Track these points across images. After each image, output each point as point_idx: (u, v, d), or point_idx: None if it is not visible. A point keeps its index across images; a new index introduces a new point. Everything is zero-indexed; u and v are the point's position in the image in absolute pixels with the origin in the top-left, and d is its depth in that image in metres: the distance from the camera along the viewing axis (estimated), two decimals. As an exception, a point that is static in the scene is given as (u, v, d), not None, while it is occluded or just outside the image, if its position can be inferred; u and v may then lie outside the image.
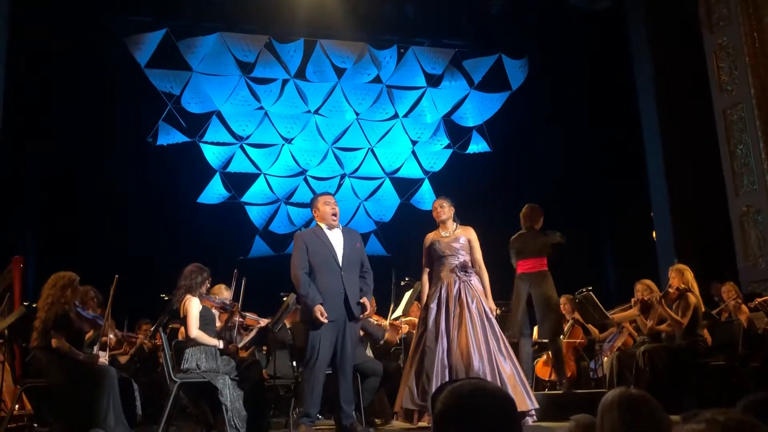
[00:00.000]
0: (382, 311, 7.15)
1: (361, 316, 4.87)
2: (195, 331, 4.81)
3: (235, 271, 5.62)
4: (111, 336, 5.52)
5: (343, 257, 4.79)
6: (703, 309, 5.87)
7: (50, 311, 4.55)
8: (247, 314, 5.49)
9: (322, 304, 4.60)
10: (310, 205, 5.12)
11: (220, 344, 4.92)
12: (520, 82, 10.45)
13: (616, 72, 9.42)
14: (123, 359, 6.16)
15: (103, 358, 4.99)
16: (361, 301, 4.82)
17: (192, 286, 4.90)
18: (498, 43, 10.32)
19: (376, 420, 5.52)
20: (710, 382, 5.64)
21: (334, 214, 4.89)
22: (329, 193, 5.12)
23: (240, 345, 5.65)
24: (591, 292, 6.92)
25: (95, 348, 5.15)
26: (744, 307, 6.22)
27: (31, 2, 8.05)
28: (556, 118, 10.29)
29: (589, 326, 7.36)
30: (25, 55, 8.12)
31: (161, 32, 9.26)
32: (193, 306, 4.83)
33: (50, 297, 4.60)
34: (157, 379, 6.01)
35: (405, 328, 6.58)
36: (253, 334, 5.65)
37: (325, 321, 4.59)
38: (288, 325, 5.93)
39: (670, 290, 5.80)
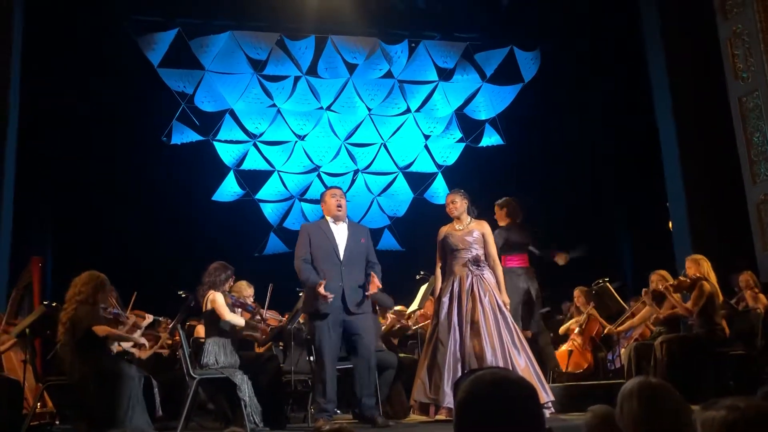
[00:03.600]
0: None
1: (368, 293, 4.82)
2: (228, 315, 4.92)
3: (270, 285, 5.77)
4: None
5: (344, 251, 4.82)
6: (721, 298, 5.83)
7: (79, 310, 4.59)
8: (268, 314, 5.55)
9: (323, 281, 4.63)
10: (320, 199, 5.18)
11: (242, 322, 5.05)
12: (533, 74, 10.40)
13: (629, 62, 9.36)
14: (143, 355, 6.22)
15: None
16: (367, 294, 4.81)
17: (216, 283, 4.98)
18: (509, 35, 10.28)
19: (393, 414, 5.53)
20: (729, 371, 5.61)
21: (339, 206, 4.93)
22: (336, 187, 5.23)
23: (260, 339, 5.69)
24: (608, 283, 6.90)
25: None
26: (762, 296, 6.17)
27: (44, 3, 8.13)
28: (569, 109, 10.24)
29: (605, 323, 7.33)
30: (39, 57, 8.19)
31: (173, 32, 9.30)
32: (218, 297, 4.91)
33: (82, 294, 4.64)
34: (176, 376, 6.06)
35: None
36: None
37: (330, 297, 4.61)
38: (301, 321, 5.97)
39: (682, 278, 5.76)
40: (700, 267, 5.74)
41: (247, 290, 5.57)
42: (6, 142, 7.13)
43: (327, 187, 5.24)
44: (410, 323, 6.95)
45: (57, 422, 5.39)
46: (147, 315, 5.31)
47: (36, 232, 8.68)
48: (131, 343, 5.50)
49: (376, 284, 4.81)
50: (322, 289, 4.61)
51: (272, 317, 5.66)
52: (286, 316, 5.78)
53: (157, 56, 9.35)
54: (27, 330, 4.91)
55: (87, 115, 9.06)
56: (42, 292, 5.73)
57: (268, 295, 5.73)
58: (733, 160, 6.89)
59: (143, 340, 5.21)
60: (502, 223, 6.28)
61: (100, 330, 4.56)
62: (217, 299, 4.92)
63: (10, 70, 7.20)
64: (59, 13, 8.57)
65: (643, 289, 6.12)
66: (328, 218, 4.95)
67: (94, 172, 9.16)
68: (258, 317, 5.41)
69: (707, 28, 7.23)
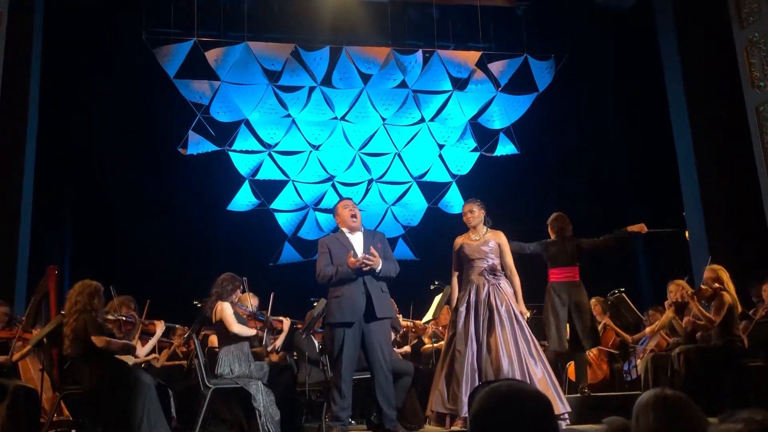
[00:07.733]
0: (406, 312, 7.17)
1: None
2: (236, 326, 4.97)
3: (272, 294, 5.76)
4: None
5: None
6: (740, 309, 5.76)
7: (79, 320, 4.63)
8: (275, 318, 5.55)
9: (350, 252, 4.67)
10: (333, 212, 5.19)
11: (254, 332, 5.08)
12: (547, 83, 10.35)
13: (644, 70, 9.32)
14: (158, 364, 6.24)
15: (143, 348, 5.10)
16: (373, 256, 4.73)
17: (223, 294, 5.03)
18: (524, 44, 10.27)
19: (408, 425, 5.50)
20: (748, 383, 5.53)
21: (353, 216, 4.94)
22: (347, 198, 5.28)
23: (270, 349, 5.70)
24: (623, 294, 6.85)
25: (135, 339, 5.23)
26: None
27: (61, 16, 8.25)
28: (584, 118, 10.21)
29: (620, 331, 7.27)
30: (57, 69, 8.31)
31: (189, 43, 9.38)
32: (226, 308, 4.95)
33: (78, 304, 4.69)
34: (191, 385, 6.08)
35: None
36: (284, 335, 5.68)
37: (363, 262, 4.61)
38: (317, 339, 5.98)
39: (703, 287, 5.70)
40: (719, 277, 5.69)
41: (250, 300, 5.60)
42: (25, 152, 7.23)
43: (338, 200, 5.25)
44: (426, 336, 6.93)
45: (73, 431, 5.42)
46: (158, 322, 5.32)
47: (54, 242, 8.77)
48: (145, 355, 5.53)
49: (374, 254, 4.72)
50: (352, 258, 4.65)
51: (278, 320, 5.66)
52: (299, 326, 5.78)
53: (173, 67, 9.43)
54: (44, 339, 4.95)
55: (103, 127, 9.16)
56: (59, 301, 5.75)
57: (270, 304, 5.72)
58: (750, 169, 6.83)
59: (143, 350, 5.21)
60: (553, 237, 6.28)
61: (98, 341, 4.58)
62: (225, 309, 4.95)
63: (29, 81, 7.30)
64: (78, 26, 8.69)
65: (666, 302, 6.07)
66: (344, 229, 4.98)
67: (111, 182, 9.26)
68: (270, 326, 5.42)
69: (723, 36, 7.19)
